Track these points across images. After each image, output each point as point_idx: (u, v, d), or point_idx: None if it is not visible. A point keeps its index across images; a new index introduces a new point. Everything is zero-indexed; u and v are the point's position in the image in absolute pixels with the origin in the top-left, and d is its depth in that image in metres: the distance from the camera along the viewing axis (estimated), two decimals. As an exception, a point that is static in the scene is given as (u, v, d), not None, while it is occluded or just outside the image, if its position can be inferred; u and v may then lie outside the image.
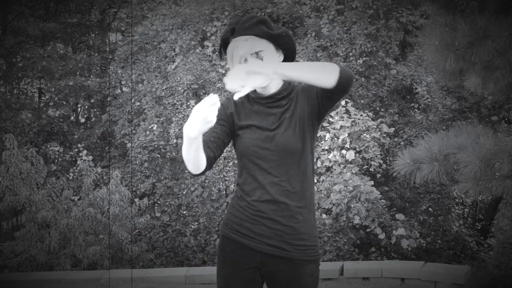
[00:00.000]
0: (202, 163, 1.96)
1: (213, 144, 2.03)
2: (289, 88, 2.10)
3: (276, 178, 2.03)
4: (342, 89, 1.90)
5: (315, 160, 8.64)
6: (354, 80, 1.96)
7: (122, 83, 13.18)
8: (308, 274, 2.13)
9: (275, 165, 2.03)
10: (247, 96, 2.07)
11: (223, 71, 9.76)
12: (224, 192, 9.79)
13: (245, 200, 2.09)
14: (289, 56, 2.14)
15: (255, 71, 1.84)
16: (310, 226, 2.11)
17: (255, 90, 2.07)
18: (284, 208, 2.04)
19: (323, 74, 1.87)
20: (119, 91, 13.39)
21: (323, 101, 2.01)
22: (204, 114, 1.75)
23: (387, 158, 9.07)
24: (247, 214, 2.08)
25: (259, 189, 2.05)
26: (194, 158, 1.91)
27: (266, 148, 2.03)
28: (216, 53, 10.20)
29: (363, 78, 9.55)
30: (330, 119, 8.76)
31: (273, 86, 2.09)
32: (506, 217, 5.52)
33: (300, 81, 1.93)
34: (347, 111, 8.76)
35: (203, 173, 2.00)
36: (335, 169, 8.27)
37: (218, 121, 1.93)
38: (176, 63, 10.59)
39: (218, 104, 1.77)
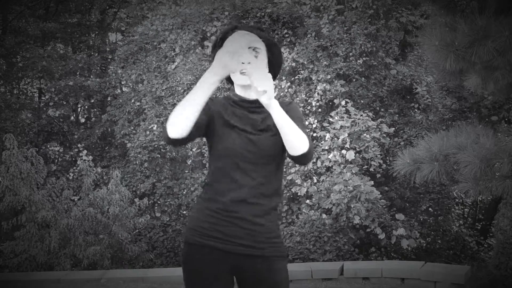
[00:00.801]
0: (188, 127, 1.93)
1: (195, 127, 2.02)
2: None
3: (254, 180, 2.06)
4: (296, 161, 2.03)
5: (314, 160, 8.70)
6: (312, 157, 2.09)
7: (122, 83, 13.19)
8: (282, 270, 2.12)
9: (256, 167, 2.06)
10: (230, 99, 2.15)
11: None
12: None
13: (217, 200, 2.07)
14: (272, 70, 2.21)
15: (264, 84, 1.92)
16: (277, 226, 2.16)
17: (235, 91, 2.16)
18: (258, 208, 2.07)
19: (294, 143, 1.98)
20: (119, 91, 13.39)
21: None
22: (225, 61, 1.89)
23: (387, 158, 9.08)
24: (219, 217, 2.06)
25: (235, 190, 2.05)
26: (187, 116, 1.91)
27: (249, 151, 2.06)
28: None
29: (363, 78, 9.55)
30: (330, 119, 8.76)
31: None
32: (506, 217, 5.52)
33: (278, 128, 2.00)
34: (347, 111, 8.76)
35: (179, 141, 1.96)
36: (335, 169, 8.27)
37: (203, 112, 2.00)
38: (176, 63, 10.60)
39: (238, 54, 1.91)
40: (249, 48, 2.11)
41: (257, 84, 1.92)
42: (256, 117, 2.11)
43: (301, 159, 2.01)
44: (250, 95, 2.14)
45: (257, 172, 2.07)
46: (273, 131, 2.08)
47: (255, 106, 2.12)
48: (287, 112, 2.05)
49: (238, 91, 2.17)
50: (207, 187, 2.13)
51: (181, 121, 1.92)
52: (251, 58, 2.05)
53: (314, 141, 9.11)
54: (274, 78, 2.21)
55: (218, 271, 2.08)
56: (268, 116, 2.08)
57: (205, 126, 2.08)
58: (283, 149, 2.08)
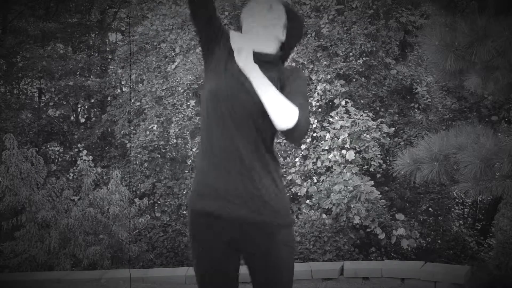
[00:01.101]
0: None
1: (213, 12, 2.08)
2: (279, 63, 2.09)
3: (247, 132, 1.94)
4: (285, 137, 1.88)
5: (315, 160, 8.70)
6: (306, 135, 1.93)
7: (122, 83, 13.20)
8: (283, 243, 1.99)
9: (249, 118, 1.94)
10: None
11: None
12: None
13: (210, 153, 1.96)
14: (288, 41, 2.13)
15: (240, 49, 1.86)
16: (277, 186, 1.99)
17: None
18: (249, 166, 1.93)
19: (277, 115, 1.84)
20: (119, 91, 13.39)
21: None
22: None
23: (387, 158, 9.08)
24: (213, 173, 1.95)
25: (227, 139, 1.93)
26: None
27: (242, 104, 1.94)
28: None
29: (363, 78, 9.55)
30: (330, 119, 8.76)
31: (269, 47, 2.07)
32: (506, 217, 5.52)
33: (260, 97, 1.88)
34: (347, 111, 8.76)
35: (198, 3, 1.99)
36: (335, 169, 8.27)
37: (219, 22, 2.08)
38: (176, 63, 10.60)
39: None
40: (267, 3, 2.06)
41: (234, 40, 1.88)
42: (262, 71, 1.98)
43: (288, 135, 1.86)
44: (260, 48, 2.05)
45: (251, 124, 1.94)
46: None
47: (258, 61, 1.98)
48: (289, 77, 1.99)
49: None
50: (202, 136, 2.02)
51: None
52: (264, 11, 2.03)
53: (314, 141, 9.11)
54: (289, 50, 2.14)
55: (218, 240, 2.00)
56: (274, 73, 2.00)
57: (216, 28, 2.07)
58: None
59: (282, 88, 1.99)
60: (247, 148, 1.94)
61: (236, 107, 1.94)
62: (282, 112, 1.83)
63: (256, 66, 1.88)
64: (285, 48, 2.13)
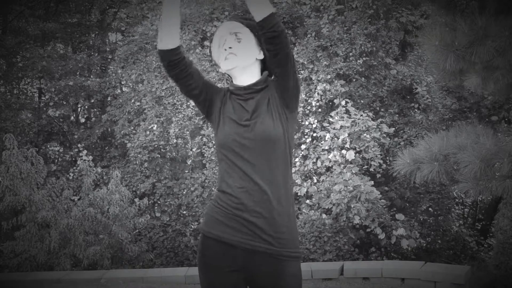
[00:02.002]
0: (171, 36, 2.06)
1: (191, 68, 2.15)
2: (266, 81, 2.16)
3: (256, 167, 2.03)
4: (268, 32, 1.97)
5: (315, 160, 8.70)
6: (282, 32, 2.00)
7: (122, 83, 13.19)
8: (291, 274, 2.03)
9: (256, 154, 2.03)
10: (228, 91, 2.20)
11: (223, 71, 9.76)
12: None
13: (224, 191, 2.07)
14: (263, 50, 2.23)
15: None
16: (289, 219, 2.07)
17: (232, 81, 2.19)
18: (266, 199, 2.01)
19: (258, 5, 1.97)
20: (119, 91, 13.39)
21: (271, 59, 2.07)
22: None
23: (387, 158, 9.07)
24: (228, 211, 2.04)
25: (241, 178, 2.03)
26: (165, 26, 2.05)
27: (247, 138, 2.04)
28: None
29: (363, 78, 9.55)
30: (330, 119, 8.76)
31: (251, 78, 2.16)
32: (506, 217, 5.52)
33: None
34: (347, 111, 8.76)
35: (168, 54, 2.07)
36: (335, 169, 8.27)
37: (201, 76, 2.18)
38: (176, 63, 10.58)
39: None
40: (230, 34, 2.14)
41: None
42: (251, 103, 2.10)
43: (268, 22, 1.96)
44: (242, 81, 2.16)
45: (258, 158, 2.03)
46: (269, 113, 2.07)
47: (250, 92, 2.13)
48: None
49: (233, 80, 2.20)
50: (218, 179, 2.15)
51: (163, 33, 2.07)
52: (233, 43, 2.12)
53: (314, 141, 9.11)
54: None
55: (228, 269, 2.06)
56: (262, 98, 2.09)
57: (201, 83, 2.16)
58: (282, 132, 2.06)
59: (278, 97, 2.11)
60: (261, 179, 2.03)
61: (241, 145, 2.05)
62: (259, 4, 1.98)
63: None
64: (267, 62, 2.18)
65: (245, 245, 2.01)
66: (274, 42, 1.98)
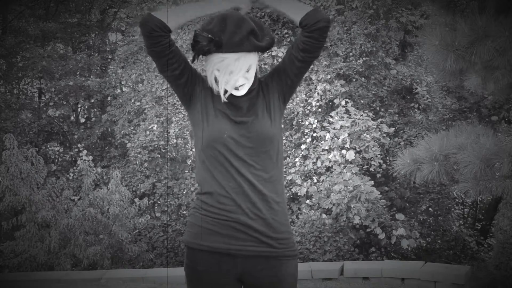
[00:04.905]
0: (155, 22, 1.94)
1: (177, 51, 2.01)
2: (255, 83, 2.02)
3: (252, 166, 1.92)
4: (321, 24, 1.93)
5: (315, 160, 8.70)
6: (330, 27, 2.00)
7: (122, 83, 13.20)
8: (291, 274, 1.98)
9: (252, 152, 1.93)
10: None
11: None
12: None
13: (215, 193, 1.92)
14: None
15: None
16: (286, 218, 2.00)
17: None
18: (263, 199, 1.92)
19: (300, 10, 1.96)
20: (119, 91, 13.40)
21: (296, 67, 1.98)
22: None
23: (387, 158, 9.08)
24: (219, 217, 1.92)
25: (234, 178, 1.91)
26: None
27: (242, 135, 1.93)
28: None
29: (363, 78, 9.55)
30: (330, 119, 8.76)
31: (250, 82, 2.01)
32: (506, 217, 5.52)
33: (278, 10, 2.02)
34: (347, 111, 8.76)
35: (151, 29, 1.92)
36: (335, 169, 8.27)
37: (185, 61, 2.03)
38: (176, 63, 10.60)
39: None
40: (242, 77, 1.96)
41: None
42: (244, 99, 1.98)
43: (314, 22, 1.93)
44: (238, 93, 2.00)
45: (254, 157, 1.93)
46: (265, 111, 1.98)
47: (251, 94, 2.00)
48: (266, 77, 2.07)
49: None
50: (201, 180, 1.97)
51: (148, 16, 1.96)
52: (244, 77, 1.95)
53: (314, 141, 9.12)
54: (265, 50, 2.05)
55: (226, 278, 1.95)
56: (254, 99, 1.99)
57: (185, 67, 2.02)
58: (277, 130, 1.98)
59: (279, 90, 2.04)
60: (257, 178, 1.93)
61: (236, 143, 1.93)
62: (301, 9, 1.96)
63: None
64: (293, 51, 2.06)
65: (245, 252, 1.92)
66: (326, 31, 1.95)
